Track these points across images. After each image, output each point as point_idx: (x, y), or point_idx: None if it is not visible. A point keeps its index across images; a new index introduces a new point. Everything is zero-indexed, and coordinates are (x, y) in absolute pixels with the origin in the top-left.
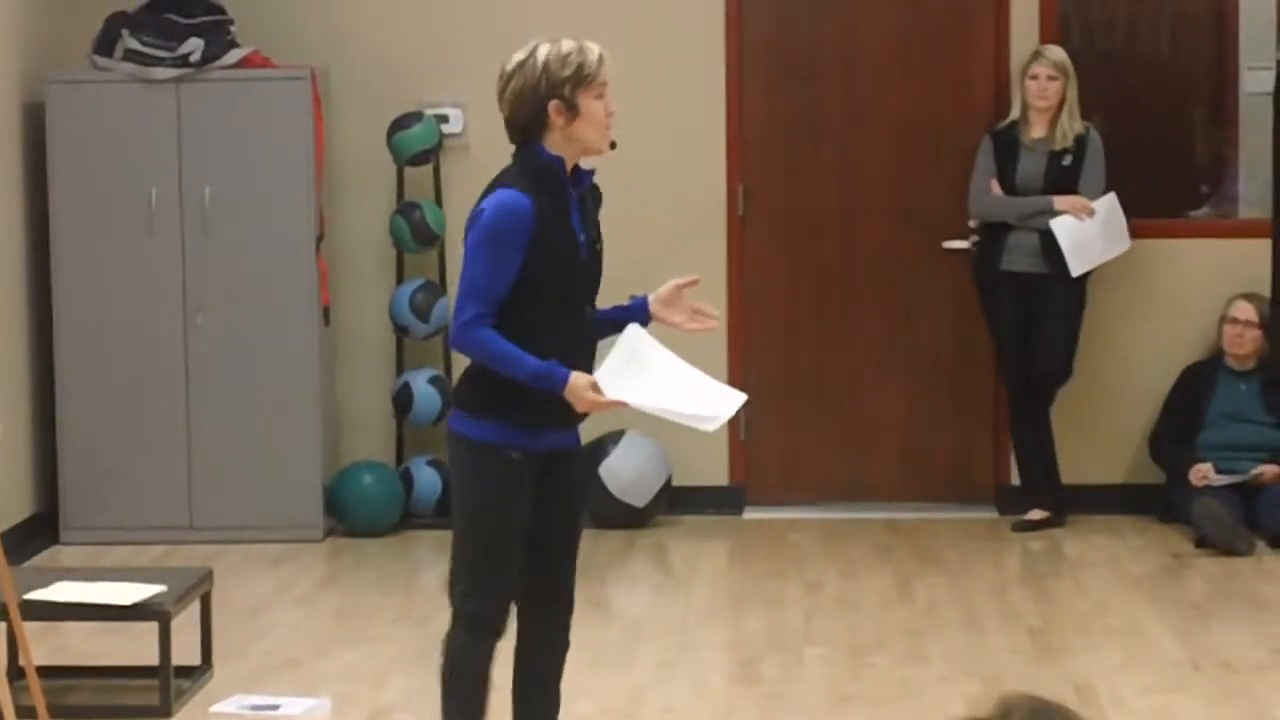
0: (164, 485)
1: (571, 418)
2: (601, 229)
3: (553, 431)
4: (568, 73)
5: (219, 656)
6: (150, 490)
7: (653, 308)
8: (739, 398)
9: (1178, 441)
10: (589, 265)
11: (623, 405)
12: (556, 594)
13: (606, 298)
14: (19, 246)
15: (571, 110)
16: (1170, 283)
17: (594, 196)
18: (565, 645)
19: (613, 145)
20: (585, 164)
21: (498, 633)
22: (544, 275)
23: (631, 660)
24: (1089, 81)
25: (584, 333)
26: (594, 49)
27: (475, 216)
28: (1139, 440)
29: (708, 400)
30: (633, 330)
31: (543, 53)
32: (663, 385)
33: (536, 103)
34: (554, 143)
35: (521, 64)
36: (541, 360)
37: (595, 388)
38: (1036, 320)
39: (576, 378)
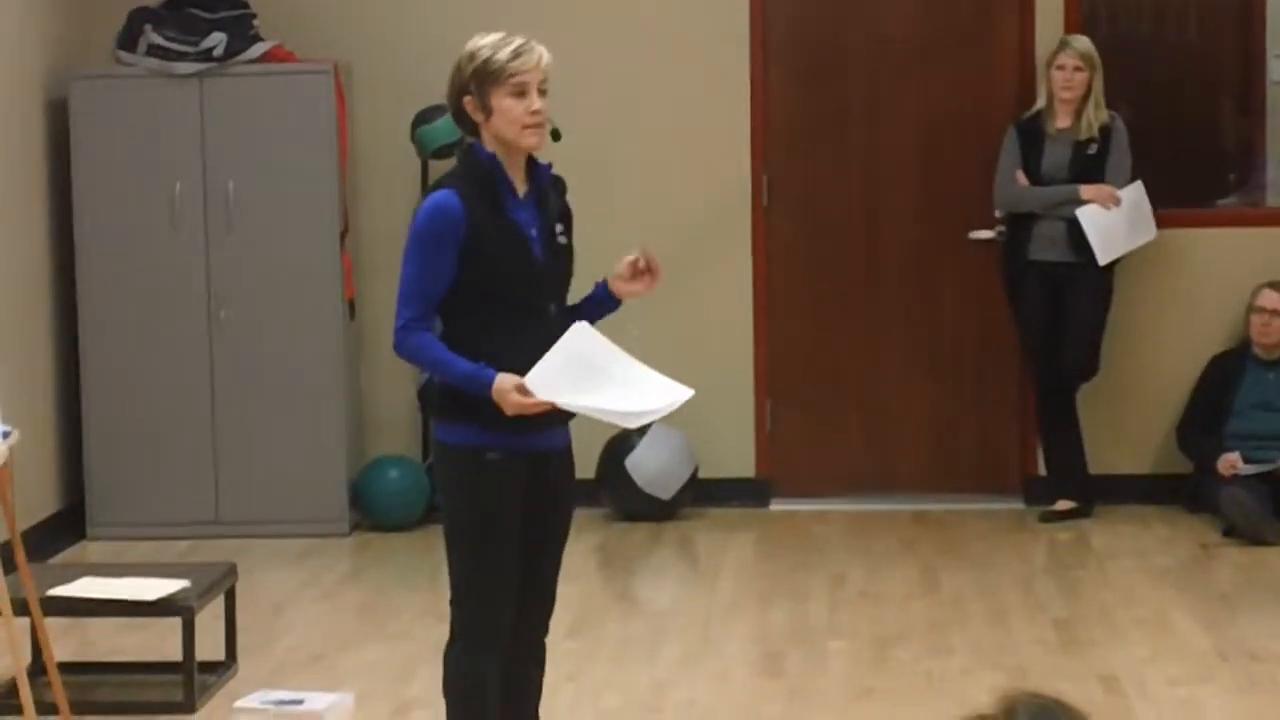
0: (189, 480)
1: (543, 417)
2: (571, 222)
3: (531, 432)
4: (472, 69)
5: (243, 652)
6: (176, 485)
7: (613, 286)
8: (684, 392)
9: (1205, 431)
10: (550, 262)
11: (551, 407)
12: (535, 606)
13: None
14: (43, 243)
15: (485, 108)
16: (1197, 272)
17: (556, 189)
18: (542, 660)
19: (556, 136)
20: (545, 157)
21: (497, 644)
22: (486, 275)
23: (656, 653)
24: (1115, 70)
25: (548, 331)
26: (510, 45)
27: (412, 219)
28: (1166, 430)
29: (650, 395)
30: (578, 328)
31: (467, 47)
32: (603, 383)
33: (456, 98)
34: (486, 139)
35: (457, 59)
36: (472, 363)
37: (522, 389)
38: (1064, 310)
39: (502, 379)
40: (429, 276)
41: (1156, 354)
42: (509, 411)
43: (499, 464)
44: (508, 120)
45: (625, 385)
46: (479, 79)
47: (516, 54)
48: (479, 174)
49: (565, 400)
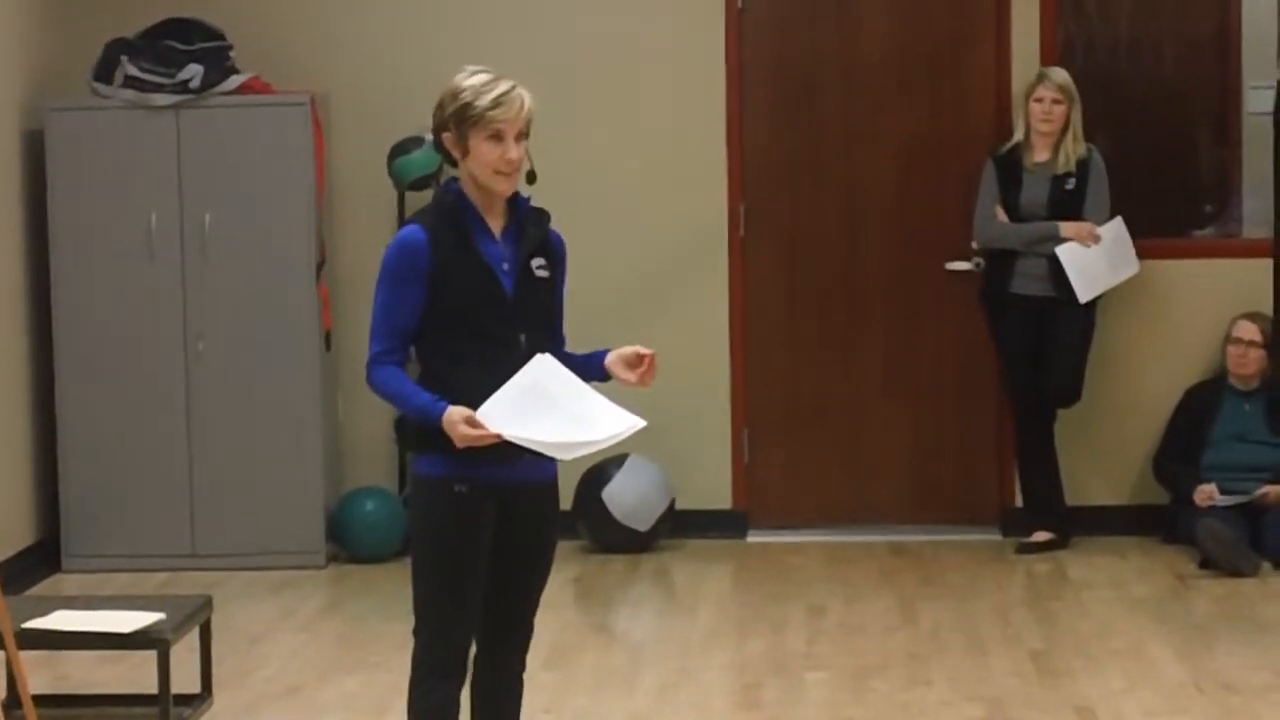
0: (166, 512)
1: (507, 449)
2: (555, 254)
3: (499, 463)
4: (452, 109)
5: (219, 684)
6: (152, 517)
7: (609, 365)
8: (633, 423)
9: (1182, 462)
10: (524, 295)
11: (498, 438)
12: (509, 637)
13: (610, 319)
14: (19, 273)
15: (463, 148)
16: (1174, 303)
17: (538, 222)
18: (518, 693)
19: (531, 179)
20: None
21: (456, 676)
22: (453, 307)
23: (634, 684)
24: (1092, 102)
25: (519, 363)
26: (493, 92)
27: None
28: (1143, 461)
29: (597, 426)
30: (540, 359)
31: (452, 84)
32: (555, 415)
33: (437, 132)
34: (463, 173)
35: (443, 93)
36: (428, 396)
37: (471, 421)
38: (1046, 343)
39: (451, 411)
40: (395, 310)
41: (1133, 384)
42: (458, 444)
43: (466, 496)
44: (481, 164)
45: (576, 417)
46: (458, 120)
47: (497, 103)
48: (446, 208)
49: (511, 432)
